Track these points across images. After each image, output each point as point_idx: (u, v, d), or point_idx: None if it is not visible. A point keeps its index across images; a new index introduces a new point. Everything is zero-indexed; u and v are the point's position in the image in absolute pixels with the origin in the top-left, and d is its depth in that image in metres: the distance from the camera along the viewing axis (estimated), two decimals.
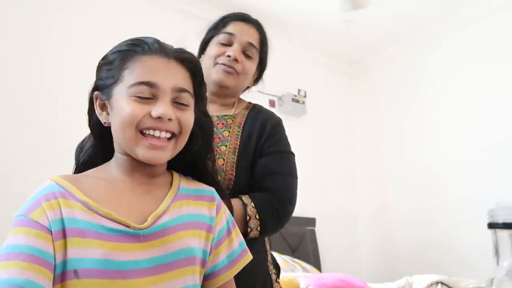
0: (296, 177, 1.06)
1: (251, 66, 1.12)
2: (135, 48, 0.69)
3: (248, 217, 0.92)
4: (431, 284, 2.27)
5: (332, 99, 4.00)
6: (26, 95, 2.24)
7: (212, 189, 0.77)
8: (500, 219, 0.47)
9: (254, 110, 1.15)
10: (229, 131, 1.05)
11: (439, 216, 3.16)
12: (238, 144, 1.03)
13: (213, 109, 1.10)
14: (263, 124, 1.07)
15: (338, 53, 3.95)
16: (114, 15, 2.68)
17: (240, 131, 1.06)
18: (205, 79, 1.03)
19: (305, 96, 3.63)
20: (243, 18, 1.12)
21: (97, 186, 0.66)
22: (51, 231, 0.58)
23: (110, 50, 0.71)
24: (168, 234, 0.64)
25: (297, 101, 3.54)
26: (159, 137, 0.66)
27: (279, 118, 1.14)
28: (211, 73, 1.07)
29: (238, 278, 0.75)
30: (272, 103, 3.54)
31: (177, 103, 0.69)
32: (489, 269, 0.49)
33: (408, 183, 3.46)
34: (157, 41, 0.71)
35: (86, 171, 0.71)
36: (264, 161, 1.02)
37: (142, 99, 0.66)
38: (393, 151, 3.66)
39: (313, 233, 3.32)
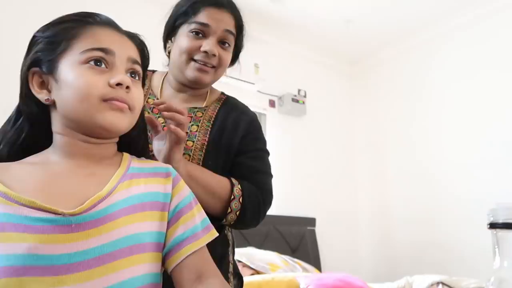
0: (272, 177, 1.03)
1: (228, 57, 1.02)
2: (85, 19, 0.64)
3: (232, 197, 0.88)
4: (432, 285, 2.27)
5: (332, 99, 4.00)
6: None
7: (168, 166, 0.70)
8: (501, 219, 0.47)
9: (227, 104, 1.06)
10: (198, 126, 0.97)
11: (439, 216, 3.16)
12: (207, 140, 0.96)
13: (181, 99, 1.02)
14: (237, 121, 1.01)
15: (338, 53, 3.95)
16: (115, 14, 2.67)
17: (210, 126, 0.98)
18: (177, 71, 0.99)
19: (305, 96, 3.63)
20: (215, 2, 0.98)
21: (27, 173, 0.59)
22: None
23: (49, 23, 0.64)
24: (109, 221, 0.56)
25: (297, 101, 3.54)
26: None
27: (253, 114, 1.07)
28: (185, 69, 0.97)
29: None
30: (272, 103, 3.54)
31: (130, 76, 0.65)
32: (489, 269, 0.48)
33: (408, 183, 3.46)
34: (107, 17, 0.68)
35: (23, 159, 0.63)
36: (245, 160, 0.97)
37: (96, 67, 0.61)
38: (393, 151, 3.66)
39: (313, 233, 3.32)
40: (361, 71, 4.12)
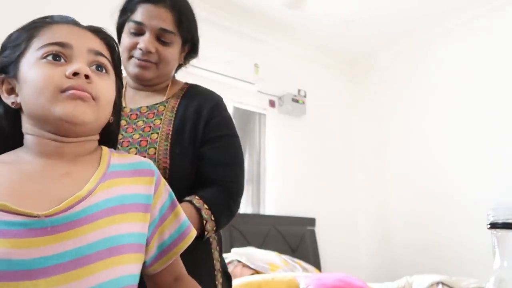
0: (242, 164, 0.98)
1: (171, 52, 0.98)
2: (44, 20, 0.63)
3: (204, 221, 0.85)
4: (432, 284, 2.27)
5: (332, 99, 4.00)
6: None
7: (149, 162, 0.68)
8: (501, 219, 0.47)
9: (190, 92, 1.03)
10: (161, 119, 0.95)
11: (439, 215, 3.16)
12: (171, 129, 0.93)
13: (142, 97, 1.02)
14: (199, 107, 0.97)
15: (338, 53, 3.95)
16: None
17: (174, 116, 0.96)
18: (124, 70, 0.96)
19: (305, 96, 3.63)
20: None
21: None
22: None
23: (16, 29, 0.64)
24: (88, 222, 0.54)
25: (297, 101, 3.54)
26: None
27: (218, 97, 1.03)
28: (127, 67, 0.98)
29: None
30: (272, 103, 3.54)
31: (94, 68, 0.62)
32: (489, 269, 0.48)
33: (408, 183, 3.46)
34: (68, 16, 0.66)
35: None
36: (207, 151, 0.94)
37: (54, 61, 0.58)
38: (393, 151, 3.66)
39: (313, 233, 3.33)
40: (361, 71, 4.12)
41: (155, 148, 0.90)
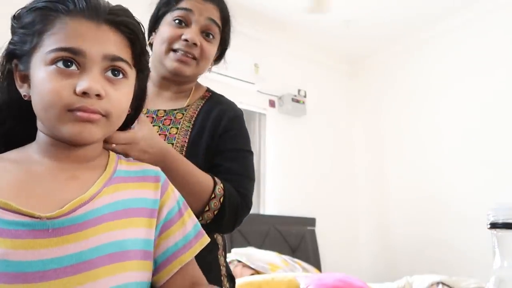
0: (254, 180, 0.95)
1: (212, 49, 0.95)
2: (57, 6, 0.56)
3: (213, 195, 0.82)
4: (432, 284, 2.27)
5: (332, 99, 4.00)
6: None
7: (157, 168, 0.65)
8: (501, 219, 0.47)
9: (210, 101, 0.99)
10: (177, 128, 0.92)
11: (440, 216, 3.16)
12: (187, 141, 0.90)
13: (163, 99, 0.98)
14: (219, 117, 0.94)
15: (338, 53, 3.95)
16: None
17: (191, 126, 0.92)
18: (158, 64, 0.94)
19: (305, 96, 3.63)
20: None
21: (5, 171, 0.54)
22: None
23: (25, 7, 0.58)
24: (90, 226, 0.52)
25: (297, 101, 3.54)
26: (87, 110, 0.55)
27: (239, 110, 1.00)
28: (165, 60, 0.92)
29: None
30: (272, 103, 3.54)
31: (110, 74, 0.57)
32: (489, 269, 0.48)
33: (408, 183, 3.46)
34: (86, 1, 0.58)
35: (4, 153, 0.59)
36: (222, 161, 0.91)
37: (64, 69, 0.54)
38: (393, 151, 3.66)
39: (313, 233, 3.32)
40: (361, 71, 4.12)
41: None
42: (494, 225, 0.48)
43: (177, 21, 0.92)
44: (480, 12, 3.11)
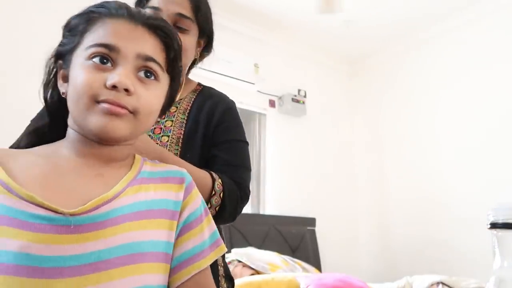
0: (250, 169, 0.97)
1: (188, 40, 0.94)
2: (99, 10, 0.60)
3: (213, 192, 0.83)
4: (432, 285, 2.27)
5: (332, 99, 4.00)
6: None
7: (183, 170, 0.66)
8: (501, 219, 0.47)
9: (202, 94, 1.01)
10: (172, 121, 0.94)
11: (440, 216, 3.16)
12: (183, 133, 0.92)
13: None
14: (211, 110, 0.96)
15: (338, 53, 3.95)
16: None
17: (186, 118, 0.95)
18: None
19: (305, 96, 3.63)
20: None
21: (33, 165, 0.55)
22: None
23: (74, 15, 0.63)
24: (111, 225, 0.52)
25: (297, 101, 3.54)
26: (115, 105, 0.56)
27: (231, 101, 1.02)
28: None
29: None
30: (272, 103, 3.54)
31: (143, 75, 0.59)
32: (489, 269, 0.48)
33: (408, 183, 3.46)
34: (126, 6, 0.62)
35: (33, 148, 0.61)
36: (217, 152, 0.93)
37: (99, 65, 0.56)
38: (393, 151, 3.66)
39: (313, 233, 3.32)
40: (361, 71, 4.12)
41: None
42: (494, 225, 0.48)
43: None
44: (481, 12, 3.11)
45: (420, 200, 3.34)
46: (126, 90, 0.56)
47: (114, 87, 0.55)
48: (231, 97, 1.06)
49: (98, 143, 0.59)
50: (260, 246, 2.74)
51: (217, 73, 2.98)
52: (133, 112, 0.57)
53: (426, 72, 3.49)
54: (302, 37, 3.64)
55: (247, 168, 0.97)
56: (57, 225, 0.49)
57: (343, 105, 4.07)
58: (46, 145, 0.61)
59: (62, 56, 0.61)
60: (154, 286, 0.55)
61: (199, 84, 1.06)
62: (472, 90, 3.11)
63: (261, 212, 3.28)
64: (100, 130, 0.55)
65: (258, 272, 2.28)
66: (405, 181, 3.49)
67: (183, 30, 0.93)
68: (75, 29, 0.60)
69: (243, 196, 0.92)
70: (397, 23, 3.40)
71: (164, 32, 0.62)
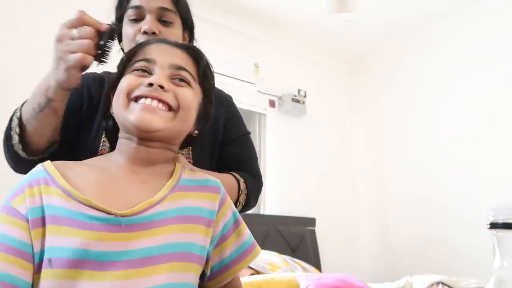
0: (258, 159, 1.08)
1: (174, 32, 0.97)
2: (142, 44, 0.73)
3: (240, 192, 0.91)
4: (432, 285, 2.27)
5: (332, 99, 4.00)
6: None
7: (217, 180, 0.72)
8: (501, 219, 0.47)
9: None
10: None
11: (440, 216, 3.16)
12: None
13: None
14: (216, 109, 1.01)
15: (338, 53, 3.95)
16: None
17: None
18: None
19: (305, 96, 3.63)
20: None
21: (88, 173, 0.64)
22: (27, 219, 0.56)
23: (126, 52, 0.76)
24: (157, 226, 0.60)
25: (297, 101, 3.54)
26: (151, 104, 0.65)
27: (228, 96, 1.09)
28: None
29: None
30: (272, 103, 3.54)
31: (174, 79, 0.68)
32: (489, 269, 0.48)
33: (408, 183, 3.46)
34: (167, 39, 0.76)
35: (87, 159, 0.70)
36: (233, 149, 1.00)
37: (138, 72, 0.67)
38: (393, 150, 3.66)
39: (313, 233, 3.32)
40: (361, 71, 4.12)
41: None
42: (494, 225, 0.48)
43: (132, 18, 0.96)
44: (481, 12, 3.11)
45: (420, 200, 3.34)
46: (161, 87, 0.64)
47: (150, 85, 0.64)
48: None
49: (142, 143, 0.66)
50: (260, 246, 2.73)
51: (217, 73, 2.93)
52: (173, 109, 0.66)
53: (426, 71, 3.49)
54: (302, 37, 3.64)
55: (257, 159, 1.06)
56: (110, 225, 0.57)
57: (343, 105, 4.07)
58: (96, 157, 0.72)
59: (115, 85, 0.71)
60: (189, 283, 0.61)
61: None
62: (472, 90, 3.11)
63: (261, 212, 3.28)
64: (138, 121, 0.62)
65: (258, 272, 2.28)
66: (405, 181, 3.49)
67: (168, 24, 0.96)
68: (123, 59, 0.72)
69: (261, 185, 1.02)
70: (397, 23, 3.40)
71: (193, 49, 0.74)
